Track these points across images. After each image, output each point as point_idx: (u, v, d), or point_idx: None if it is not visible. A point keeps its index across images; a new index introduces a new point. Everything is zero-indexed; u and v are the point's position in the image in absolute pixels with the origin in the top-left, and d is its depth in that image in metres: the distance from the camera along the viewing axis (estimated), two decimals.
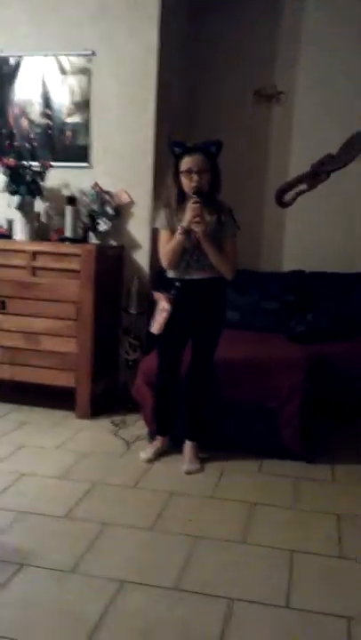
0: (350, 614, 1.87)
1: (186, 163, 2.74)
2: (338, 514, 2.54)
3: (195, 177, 2.73)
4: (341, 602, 1.94)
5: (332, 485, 2.84)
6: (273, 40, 4.31)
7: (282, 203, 4.44)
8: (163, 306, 2.84)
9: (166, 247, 2.85)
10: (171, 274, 2.91)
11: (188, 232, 2.76)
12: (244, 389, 3.06)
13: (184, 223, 2.75)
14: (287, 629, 1.81)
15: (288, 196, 4.43)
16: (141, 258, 3.90)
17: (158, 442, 3.09)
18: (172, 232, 2.82)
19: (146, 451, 3.06)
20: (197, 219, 2.71)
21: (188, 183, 2.76)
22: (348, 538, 2.35)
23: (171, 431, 3.10)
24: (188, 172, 2.74)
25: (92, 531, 2.32)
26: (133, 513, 2.49)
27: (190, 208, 2.73)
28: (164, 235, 2.87)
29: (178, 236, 2.78)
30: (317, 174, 4.36)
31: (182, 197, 2.80)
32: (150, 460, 3.00)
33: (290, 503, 2.64)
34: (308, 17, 4.25)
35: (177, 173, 2.79)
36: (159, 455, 3.05)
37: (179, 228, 2.77)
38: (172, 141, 2.84)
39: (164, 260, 2.88)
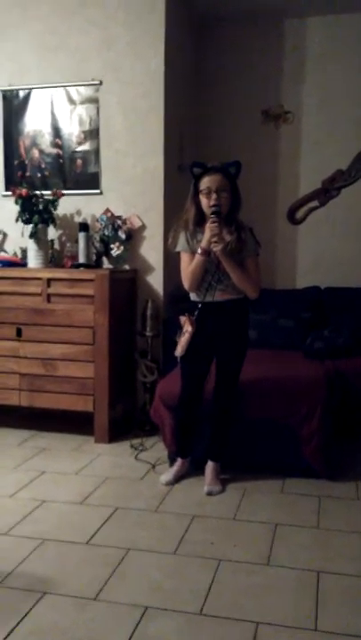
0: None
1: (205, 182, 2.76)
2: None
3: (214, 195, 2.74)
4: None
5: (356, 503, 2.79)
6: (278, 60, 4.38)
7: (294, 220, 4.46)
8: (186, 328, 2.84)
9: (188, 269, 2.85)
10: (193, 296, 2.92)
11: (207, 252, 2.76)
12: (263, 408, 3.03)
13: (203, 243, 2.76)
14: None
15: (300, 213, 4.44)
16: (155, 281, 3.92)
17: (179, 464, 3.06)
18: (193, 254, 2.82)
19: (166, 474, 3.03)
20: (216, 238, 2.71)
21: (207, 203, 2.76)
22: None
23: (191, 453, 3.07)
24: (208, 191, 2.75)
25: (115, 557, 2.29)
26: (155, 537, 2.46)
27: (208, 228, 2.73)
28: (184, 257, 2.88)
29: (198, 257, 2.78)
30: (328, 191, 4.38)
31: (202, 218, 2.81)
32: (170, 483, 2.97)
33: (314, 522, 2.60)
34: (311, 36, 4.31)
35: (196, 194, 2.80)
36: (180, 478, 3.02)
37: (198, 248, 2.78)
38: (192, 162, 2.86)
39: (185, 282, 2.88)
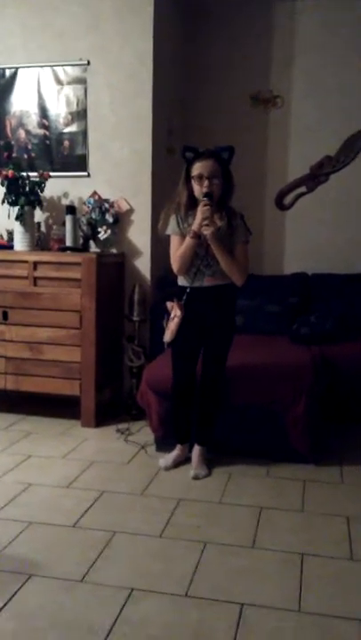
0: None
1: (197, 168, 2.73)
2: (347, 516, 2.52)
3: (206, 182, 2.72)
4: (354, 604, 1.93)
5: (341, 487, 2.83)
6: (267, 45, 4.34)
7: (282, 206, 4.45)
8: (174, 313, 2.84)
9: (177, 252, 2.84)
10: (181, 280, 2.91)
11: (198, 236, 2.75)
12: (249, 393, 3.05)
13: (194, 227, 2.74)
14: (299, 633, 1.79)
15: (288, 199, 4.44)
16: (142, 265, 3.90)
17: (178, 450, 3.06)
18: (183, 237, 2.81)
19: (165, 458, 3.03)
20: (207, 221, 2.70)
21: (198, 189, 2.74)
22: (358, 540, 2.33)
23: (189, 439, 3.07)
24: (200, 177, 2.73)
25: (101, 539, 2.30)
26: (142, 520, 2.47)
27: (200, 211, 2.71)
28: (174, 240, 2.86)
29: (188, 240, 2.77)
30: (317, 177, 4.37)
31: (193, 203, 2.79)
32: (169, 468, 2.98)
33: (299, 506, 2.62)
34: (301, 21, 4.27)
35: (188, 179, 2.78)
36: (179, 464, 3.02)
37: (189, 231, 2.77)
38: (183, 146, 2.83)
39: (174, 265, 2.87)
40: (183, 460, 3.02)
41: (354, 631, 1.79)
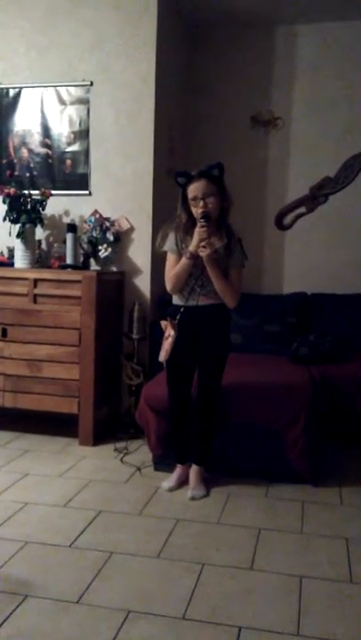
0: None
1: (191, 191, 2.75)
2: (347, 537, 2.50)
3: (201, 203, 2.73)
4: (353, 627, 1.90)
5: (340, 508, 2.80)
6: (268, 66, 4.41)
7: (281, 226, 4.48)
8: (168, 333, 2.84)
9: (172, 271, 2.85)
10: (175, 300, 2.91)
11: (194, 256, 2.75)
12: (248, 412, 3.03)
13: (191, 247, 2.75)
14: None
15: (287, 219, 4.47)
16: (142, 283, 3.91)
17: (179, 470, 3.03)
18: (179, 256, 2.82)
19: (168, 480, 3.00)
20: (204, 242, 2.71)
21: (196, 210, 2.76)
22: (357, 562, 2.31)
23: (189, 458, 3.03)
24: (194, 199, 2.74)
25: (98, 560, 2.28)
26: (139, 541, 2.45)
27: (197, 232, 2.73)
28: (170, 258, 2.87)
29: (184, 261, 2.78)
30: (316, 197, 4.40)
31: (193, 224, 2.79)
32: (173, 490, 2.95)
33: (298, 527, 2.60)
34: (301, 43, 4.35)
35: (185, 202, 2.80)
36: (182, 484, 2.99)
37: (186, 252, 2.78)
38: (175, 172, 2.86)
39: (168, 284, 2.88)
40: (186, 480, 3.00)
41: None
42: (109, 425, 3.76)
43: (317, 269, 4.40)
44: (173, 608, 1.98)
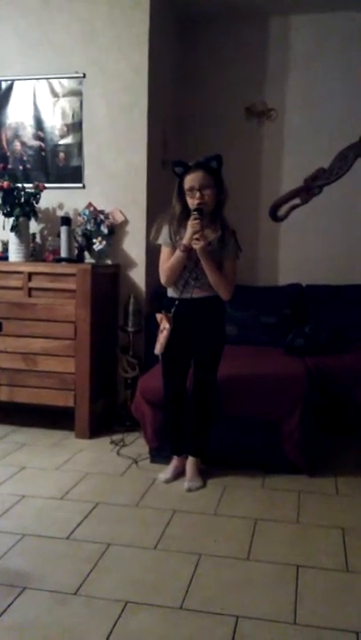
0: (358, 628, 1.84)
1: (188, 181, 2.74)
2: (343, 527, 2.51)
3: (197, 194, 2.73)
4: (349, 616, 1.91)
5: (336, 498, 2.82)
6: (262, 58, 4.39)
7: (276, 217, 4.47)
8: (163, 325, 2.84)
9: (166, 264, 2.85)
10: (170, 292, 2.91)
11: (188, 249, 2.75)
12: (244, 404, 3.04)
13: (185, 240, 2.75)
14: None
15: (282, 211, 4.46)
16: (137, 276, 3.91)
17: (175, 462, 3.04)
18: (174, 249, 2.81)
19: (164, 472, 3.01)
20: (197, 235, 2.71)
21: (191, 201, 2.75)
22: (353, 551, 2.32)
23: (185, 450, 3.04)
24: (191, 189, 2.74)
25: (95, 552, 2.29)
26: (136, 532, 2.46)
27: (190, 225, 2.72)
28: (164, 251, 2.87)
29: (178, 253, 2.78)
30: (310, 188, 4.40)
31: (187, 215, 2.78)
32: (169, 481, 2.96)
33: (294, 518, 2.62)
34: (295, 34, 4.33)
35: (181, 192, 2.79)
36: (178, 475, 3.00)
37: (180, 244, 2.77)
38: (172, 161, 2.84)
39: (162, 277, 2.88)
40: (182, 472, 3.01)
41: None
42: (105, 418, 3.77)
43: (312, 260, 4.40)
44: (171, 598, 1.99)
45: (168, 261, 2.83)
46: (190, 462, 2.99)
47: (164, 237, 2.86)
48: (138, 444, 3.42)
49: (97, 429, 3.60)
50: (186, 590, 2.04)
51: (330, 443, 3.47)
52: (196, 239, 2.71)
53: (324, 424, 3.38)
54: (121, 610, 1.92)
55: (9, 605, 1.93)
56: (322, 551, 2.33)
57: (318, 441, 3.22)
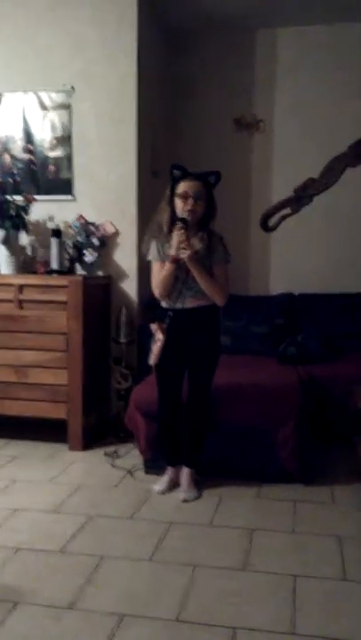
0: (356, 637, 1.82)
1: (183, 186, 2.75)
2: (339, 536, 2.49)
3: (190, 201, 2.73)
4: (348, 625, 1.89)
5: (331, 507, 2.80)
6: (250, 70, 4.43)
7: (267, 227, 4.48)
8: (157, 336, 2.83)
9: (158, 277, 2.84)
10: (164, 303, 2.90)
11: (177, 260, 2.75)
12: (238, 413, 3.03)
13: (172, 251, 2.75)
14: None
15: (273, 221, 4.46)
16: (129, 287, 3.90)
17: (170, 472, 3.01)
18: (164, 262, 2.81)
19: (159, 483, 2.98)
20: (183, 245, 2.71)
21: (181, 207, 2.75)
22: (350, 560, 2.30)
23: (180, 461, 3.02)
24: (184, 195, 2.74)
25: (89, 565, 2.25)
26: (131, 544, 2.42)
27: (175, 235, 2.73)
28: (155, 266, 2.87)
29: (167, 265, 2.77)
30: (301, 198, 4.41)
31: (173, 222, 2.79)
32: (164, 492, 2.93)
33: (290, 527, 2.59)
34: (282, 46, 4.38)
35: (172, 197, 2.80)
36: (173, 486, 2.97)
37: (168, 256, 2.77)
38: (172, 164, 2.84)
39: (156, 291, 2.87)
40: (177, 482, 2.98)
41: None
42: (99, 429, 3.74)
43: (304, 269, 4.42)
44: (167, 610, 1.96)
45: (159, 275, 2.83)
46: (185, 473, 2.97)
47: (153, 253, 2.87)
48: (132, 456, 3.40)
49: (90, 441, 3.57)
50: (182, 602, 2.01)
51: (324, 451, 3.45)
52: (183, 248, 2.71)
53: (318, 433, 3.36)
54: (116, 623, 1.89)
55: (2, 621, 1.89)
56: (319, 560, 2.31)
57: (313, 450, 3.20)
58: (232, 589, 2.10)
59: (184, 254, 2.71)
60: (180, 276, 2.81)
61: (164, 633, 1.85)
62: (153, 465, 3.14)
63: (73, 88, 3.84)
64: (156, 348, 2.83)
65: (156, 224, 2.88)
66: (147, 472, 3.16)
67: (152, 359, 2.85)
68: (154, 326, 2.86)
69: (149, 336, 2.90)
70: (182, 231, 2.70)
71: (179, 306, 2.84)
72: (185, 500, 2.84)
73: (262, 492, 2.95)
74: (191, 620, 1.92)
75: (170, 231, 2.79)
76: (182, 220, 2.73)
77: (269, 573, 2.21)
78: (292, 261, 4.46)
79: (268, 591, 2.09)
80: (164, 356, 2.82)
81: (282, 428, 2.97)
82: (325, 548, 2.41)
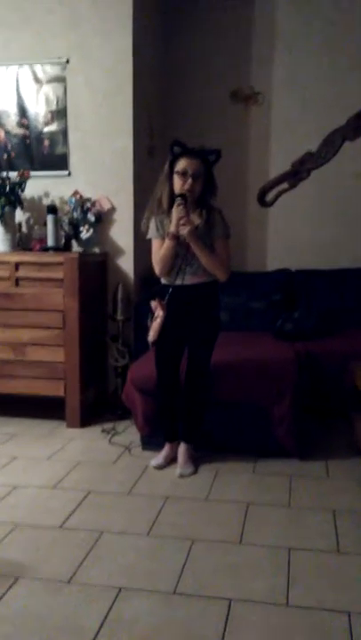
0: (351, 609, 1.87)
1: (182, 163, 2.73)
2: (334, 509, 2.53)
3: (189, 180, 2.72)
4: (341, 597, 1.94)
5: (326, 481, 2.84)
6: (248, 41, 4.35)
7: (264, 202, 4.46)
8: (157, 313, 2.83)
9: (158, 254, 2.83)
10: (164, 280, 2.90)
11: (176, 236, 2.74)
12: (234, 390, 3.05)
13: (171, 228, 2.74)
14: (288, 627, 1.79)
15: (270, 196, 4.45)
16: (126, 264, 3.89)
17: (167, 448, 3.04)
18: (163, 239, 2.80)
19: (156, 458, 3.02)
20: (183, 220, 2.70)
21: (180, 184, 2.74)
22: (345, 533, 2.34)
23: (178, 437, 3.05)
24: (183, 173, 2.72)
25: (88, 540, 2.29)
26: (129, 519, 2.46)
27: (174, 211, 2.72)
28: (155, 243, 2.86)
29: (167, 242, 2.77)
30: (298, 173, 4.39)
31: (173, 200, 2.77)
32: (161, 467, 2.96)
33: (285, 501, 2.63)
34: (280, 17, 4.30)
35: (171, 173, 2.78)
36: (171, 461, 3.00)
37: (168, 233, 2.76)
38: (173, 140, 2.80)
39: (157, 268, 2.86)
40: (175, 458, 3.01)
41: (342, 623, 1.80)
42: (96, 407, 3.76)
43: (301, 245, 4.40)
44: (164, 584, 2.00)
45: (159, 252, 2.82)
46: (182, 449, 3.00)
47: (152, 231, 2.86)
48: (129, 432, 3.43)
49: (88, 418, 3.60)
50: (179, 575, 2.05)
51: (320, 426, 3.49)
52: (182, 224, 2.70)
53: (314, 408, 3.39)
54: (115, 596, 1.93)
55: (2, 595, 1.94)
56: (313, 533, 2.35)
57: (308, 425, 3.23)
58: (228, 562, 2.14)
59: (184, 230, 2.70)
60: (180, 253, 2.80)
61: (162, 605, 1.89)
62: (150, 441, 3.17)
63: (68, 61, 3.77)
64: (155, 324, 2.84)
65: (154, 201, 2.86)
66: (144, 448, 3.19)
67: (151, 336, 2.86)
68: (154, 303, 2.86)
69: (150, 312, 2.90)
70: (181, 207, 2.69)
71: (178, 282, 2.84)
72: (181, 476, 2.88)
73: (258, 467, 2.99)
74: (188, 592, 1.96)
75: (170, 207, 2.78)
76: (182, 195, 2.71)
77: (265, 546, 2.25)
78: (289, 237, 4.44)
79: (263, 564, 2.14)
80: (163, 332, 2.83)
81: (278, 403, 2.99)
82: (320, 521, 2.45)
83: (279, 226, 4.46)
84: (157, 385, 2.99)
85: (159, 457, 3.02)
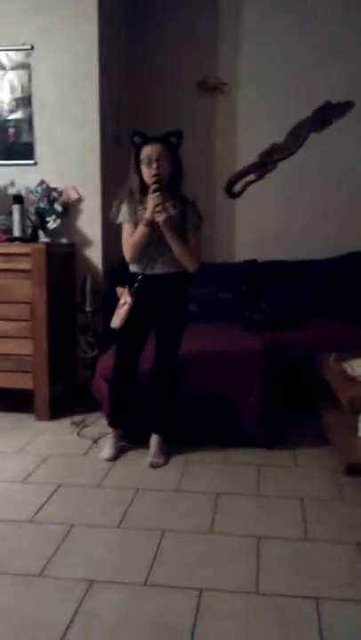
0: (318, 595, 1.91)
1: (145, 152, 2.72)
2: (301, 497, 2.58)
3: (154, 165, 2.71)
4: (309, 583, 1.98)
5: (294, 470, 2.88)
6: (214, 31, 4.33)
7: (231, 194, 4.47)
8: (124, 299, 2.82)
9: (129, 240, 2.82)
10: (134, 268, 2.89)
11: (151, 224, 2.73)
12: (204, 381, 3.06)
13: (147, 214, 2.73)
14: (258, 615, 1.83)
15: (237, 187, 4.46)
16: (94, 255, 3.85)
17: (113, 435, 3.05)
18: (135, 225, 2.79)
19: (105, 450, 3.02)
20: (159, 208, 2.69)
21: (147, 172, 2.73)
22: (312, 520, 2.39)
23: (124, 424, 3.06)
24: (148, 160, 2.72)
25: (58, 533, 2.28)
26: (99, 512, 2.46)
27: (151, 198, 2.71)
28: (127, 228, 2.84)
29: (141, 228, 2.75)
30: (265, 164, 4.40)
31: (145, 188, 2.77)
32: (112, 459, 2.97)
33: (254, 490, 2.67)
34: (247, 7, 4.27)
35: (138, 164, 2.77)
36: (119, 450, 3.01)
37: (143, 219, 2.75)
38: (132, 131, 2.80)
39: (127, 254, 2.85)
40: (125, 447, 3.01)
41: (310, 609, 1.84)
42: (66, 399, 3.74)
43: (268, 237, 4.43)
44: (136, 575, 2.01)
45: (131, 238, 2.80)
46: (154, 439, 3.00)
47: (124, 215, 2.84)
48: (99, 424, 3.42)
49: (57, 411, 3.57)
50: (150, 566, 2.07)
51: (288, 415, 3.54)
52: (158, 212, 2.69)
53: (282, 398, 3.43)
54: (86, 589, 1.94)
55: None
56: (282, 522, 2.39)
57: (276, 414, 3.28)
58: (198, 552, 2.17)
59: (160, 217, 2.70)
60: (151, 241, 2.79)
61: (133, 597, 1.90)
62: None
63: (32, 47, 3.70)
64: (122, 311, 2.83)
65: (126, 190, 2.84)
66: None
67: (116, 322, 2.85)
68: (120, 289, 2.85)
69: (114, 303, 2.89)
70: (158, 193, 2.68)
71: (148, 271, 2.83)
72: (152, 465, 2.89)
73: (228, 457, 3.02)
74: (159, 583, 1.98)
75: (142, 195, 2.77)
76: (157, 182, 2.70)
77: (234, 536, 2.28)
78: (256, 228, 4.46)
79: (233, 553, 2.17)
80: (129, 320, 2.82)
81: (247, 395, 3.02)
82: (288, 509, 2.49)
83: (246, 217, 4.48)
84: (114, 368, 2.98)
85: (108, 448, 3.01)
